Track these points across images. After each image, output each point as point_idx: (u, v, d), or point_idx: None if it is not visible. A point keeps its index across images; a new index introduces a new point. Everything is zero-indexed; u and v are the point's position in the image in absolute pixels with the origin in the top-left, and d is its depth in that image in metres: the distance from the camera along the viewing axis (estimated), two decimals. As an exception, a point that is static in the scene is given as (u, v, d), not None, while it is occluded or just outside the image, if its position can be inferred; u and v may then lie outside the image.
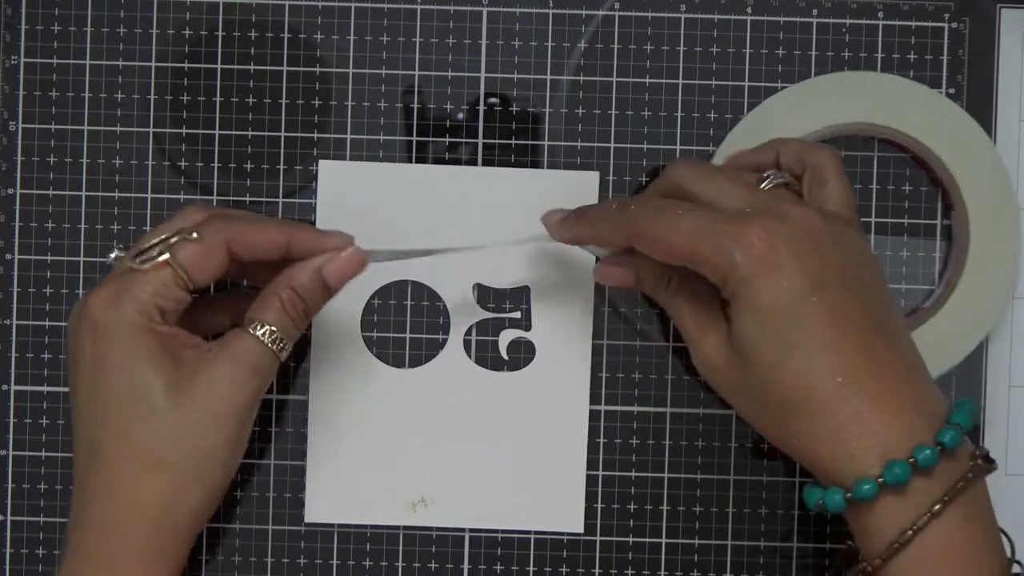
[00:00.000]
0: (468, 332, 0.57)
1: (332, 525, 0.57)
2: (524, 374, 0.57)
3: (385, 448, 0.57)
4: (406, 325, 0.57)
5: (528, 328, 0.57)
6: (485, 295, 0.57)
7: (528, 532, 0.57)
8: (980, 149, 0.56)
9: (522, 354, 0.57)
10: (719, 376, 0.49)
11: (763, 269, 0.45)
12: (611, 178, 0.57)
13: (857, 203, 0.51)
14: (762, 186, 0.50)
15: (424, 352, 0.57)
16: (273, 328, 0.49)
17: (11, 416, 0.57)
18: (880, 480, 0.44)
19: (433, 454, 0.57)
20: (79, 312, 0.49)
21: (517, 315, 0.57)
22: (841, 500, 0.45)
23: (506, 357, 0.57)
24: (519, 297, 0.57)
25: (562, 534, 0.57)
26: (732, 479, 0.57)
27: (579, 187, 0.57)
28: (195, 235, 0.48)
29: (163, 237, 0.49)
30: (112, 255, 0.50)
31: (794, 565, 0.57)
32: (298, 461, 0.57)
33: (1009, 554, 0.47)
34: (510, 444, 0.57)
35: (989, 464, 0.46)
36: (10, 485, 0.57)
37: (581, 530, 0.57)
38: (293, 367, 0.57)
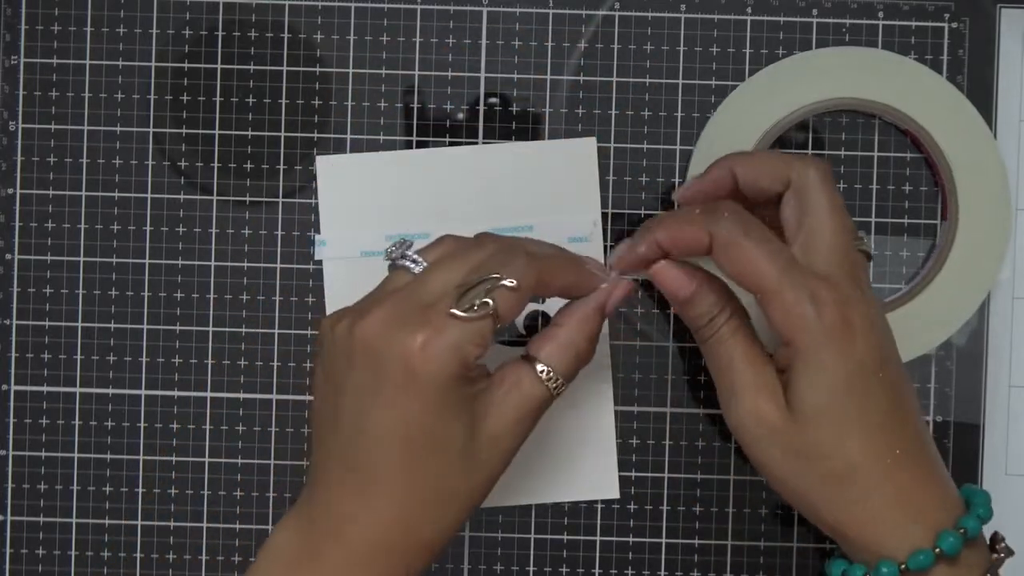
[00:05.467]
0: None
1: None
2: None
3: None
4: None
5: (543, 300, 0.57)
6: None
7: (527, 536, 0.57)
8: (974, 129, 0.56)
9: (540, 326, 0.57)
10: (764, 437, 0.46)
11: (838, 337, 0.45)
12: (611, 178, 0.57)
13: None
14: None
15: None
16: (559, 374, 0.47)
17: (11, 416, 0.57)
18: (936, 550, 0.44)
19: None
20: (386, 340, 0.45)
21: None
22: (895, 571, 0.45)
23: (524, 332, 0.57)
24: None
25: (561, 535, 0.57)
26: (732, 479, 0.57)
27: (577, 155, 0.57)
28: (514, 283, 0.45)
29: (486, 279, 0.45)
30: (394, 251, 0.47)
31: (794, 565, 0.57)
32: (297, 461, 0.57)
33: None
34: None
35: (1008, 553, 0.47)
36: (10, 485, 0.57)
37: (617, 495, 0.57)
38: (293, 366, 0.57)
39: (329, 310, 0.57)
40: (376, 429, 0.45)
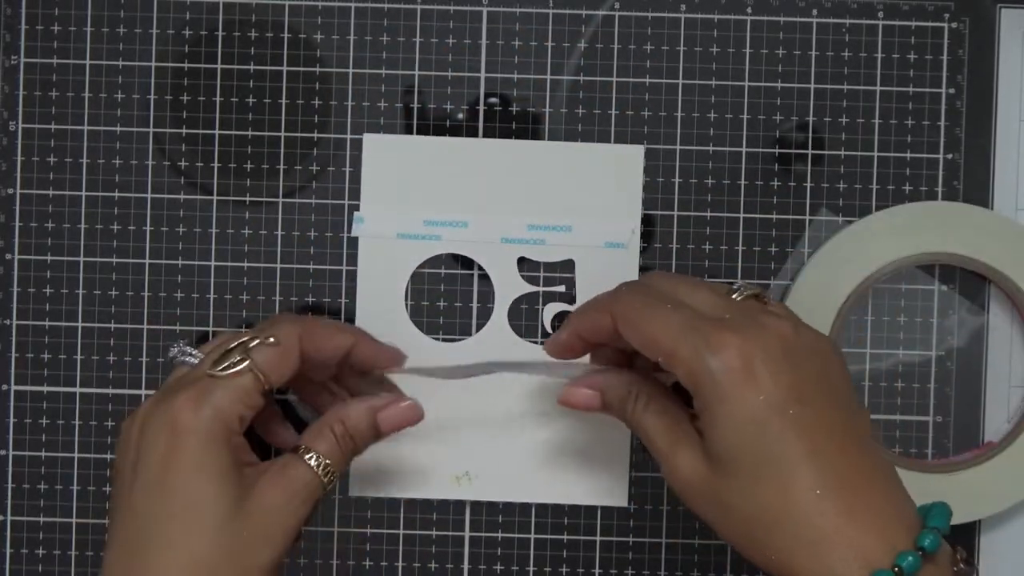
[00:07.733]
0: (513, 305, 0.57)
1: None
2: None
3: (429, 422, 0.56)
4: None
5: (572, 301, 0.57)
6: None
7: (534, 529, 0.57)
8: None
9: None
10: (693, 491, 0.47)
11: (739, 381, 0.44)
12: (611, 178, 0.57)
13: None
14: (734, 297, 0.48)
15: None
16: (326, 459, 0.49)
17: (11, 416, 0.57)
18: (895, 569, 0.43)
19: (477, 427, 0.57)
20: (154, 412, 0.48)
21: (562, 288, 0.57)
22: None
23: (550, 330, 0.57)
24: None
25: (561, 535, 0.57)
26: (732, 479, 0.57)
27: (623, 160, 0.57)
28: (272, 339, 0.49)
29: (241, 342, 0.49)
30: (174, 351, 0.51)
31: (794, 565, 0.57)
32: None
33: None
34: (554, 417, 0.57)
35: (969, 568, 0.45)
36: (10, 485, 0.57)
37: (626, 504, 0.57)
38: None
39: (361, 289, 0.57)
40: (146, 485, 0.47)
